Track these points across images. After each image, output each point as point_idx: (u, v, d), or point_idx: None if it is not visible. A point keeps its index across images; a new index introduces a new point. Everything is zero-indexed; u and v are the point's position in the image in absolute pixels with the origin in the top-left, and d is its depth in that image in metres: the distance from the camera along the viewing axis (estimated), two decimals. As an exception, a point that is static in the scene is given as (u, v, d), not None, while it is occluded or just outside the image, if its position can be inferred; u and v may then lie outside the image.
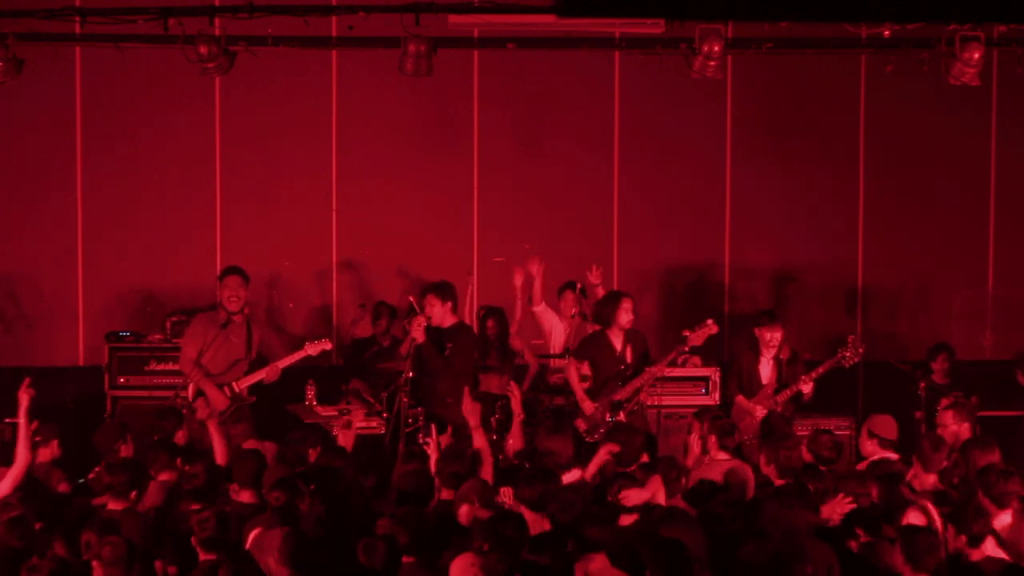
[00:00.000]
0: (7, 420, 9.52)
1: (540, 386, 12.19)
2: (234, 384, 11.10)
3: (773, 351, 11.61)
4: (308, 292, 13.55)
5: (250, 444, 10.10)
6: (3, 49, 10.81)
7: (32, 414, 8.83)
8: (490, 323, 12.26)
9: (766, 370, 11.66)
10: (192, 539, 7.64)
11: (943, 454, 9.32)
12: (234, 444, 10.49)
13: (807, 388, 11.48)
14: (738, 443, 9.93)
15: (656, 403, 11.94)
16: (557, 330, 12.42)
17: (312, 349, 11.28)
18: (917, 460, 9.31)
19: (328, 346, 11.36)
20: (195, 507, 8.15)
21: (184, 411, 10.73)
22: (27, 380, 8.90)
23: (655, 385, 11.80)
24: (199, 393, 11.10)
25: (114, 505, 8.40)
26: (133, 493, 8.47)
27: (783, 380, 11.61)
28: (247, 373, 11.16)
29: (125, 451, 9.43)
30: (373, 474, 9.40)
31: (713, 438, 9.74)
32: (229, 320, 11.13)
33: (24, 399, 8.81)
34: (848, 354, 11.52)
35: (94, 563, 7.28)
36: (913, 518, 8.17)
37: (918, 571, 7.38)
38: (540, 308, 12.38)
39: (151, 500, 8.84)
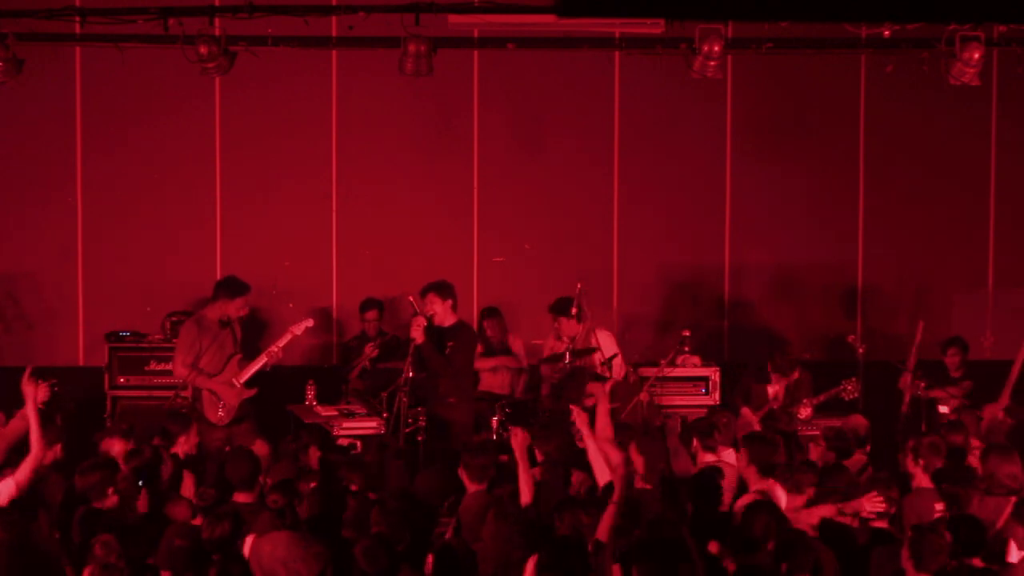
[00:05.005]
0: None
1: (540, 387, 12.19)
2: (234, 380, 11.11)
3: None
4: (308, 292, 13.54)
5: (251, 443, 10.17)
6: (3, 49, 10.79)
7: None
8: (486, 324, 12.30)
9: (773, 388, 11.86)
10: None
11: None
12: (237, 442, 10.55)
13: (805, 414, 11.73)
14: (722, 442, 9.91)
15: (657, 402, 11.99)
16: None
17: (297, 329, 11.30)
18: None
19: (310, 323, 11.41)
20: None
21: (192, 414, 10.75)
22: (29, 368, 8.86)
23: (655, 385, 11.88)
24: (196, 396, 11.10)
25: (98, 504, 8.44)
26: (110, 489, 8.49)
27: (788, 400, 11.80)
28: (241, 366, 11.17)
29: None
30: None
31: (696, 442, 9.75)
32: (229, 322, 11.18)
33: (29, 391, 8.76)
34: (850, 387, 11.91)
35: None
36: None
37: (920, 571, 7.39)
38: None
39: (143, 503, 8.87)
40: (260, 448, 10.14)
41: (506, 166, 13.78)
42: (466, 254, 13.70)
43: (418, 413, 10.87)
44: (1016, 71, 11.63)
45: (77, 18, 11.22)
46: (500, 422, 11.26)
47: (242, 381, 11.09)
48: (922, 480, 9.12)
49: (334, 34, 12.22)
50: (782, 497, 8.58)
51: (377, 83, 13.17)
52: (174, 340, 11.80)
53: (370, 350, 12.37)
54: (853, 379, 11.91)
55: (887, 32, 11.47)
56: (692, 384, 12.42)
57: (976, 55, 10.90)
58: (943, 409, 12.19)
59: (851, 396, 11.91)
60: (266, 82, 12.96)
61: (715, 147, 13.96)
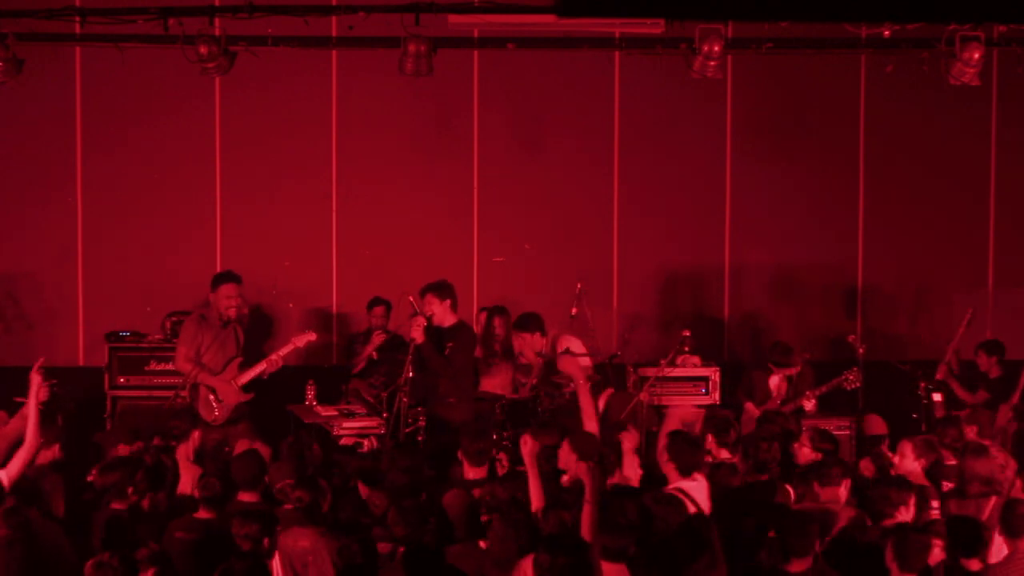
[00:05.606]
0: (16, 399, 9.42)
1: (544, 385, 12.18)
2: (233, 381, 11.12)
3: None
4: (308, 292, 13.55)
5: (247, 444, 10.16)
6: (3, 49, 10.79)
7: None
8: (496, 322, 12.27)
9: (775, 380, 11.87)
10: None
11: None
12: (234, 444, 10.56)
13: (809, 405, 11.80)
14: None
15: (656, 403, 11.99)
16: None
17: (299, 341, 11.33)
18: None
19: (312, 336, 11.42)
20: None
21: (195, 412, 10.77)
22: (41, 360, 8.84)
23: (655, 385, 11.88)
24: (194, 395, 11.10)
25: (117, 505, 8.43)
26: (130, 489, 8.49)
27: (791, 393, 11.82)
28: (241, 369, 11.18)
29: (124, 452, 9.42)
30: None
31: (710, 437, 9.72)
32: (228, 322, 11.18)
33: (36, 379, 8.72)
34: (851, 377, 11.93)
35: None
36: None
37: (905, 571, 7.39)
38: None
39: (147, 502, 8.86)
40: (261, 450, 10.13)
41: (506, 166, 13.79)
42: (466, 254, 13.70)
43: (418, 413, 10.87)
44: (1016, 71, 11.63)
45: (77, 18, 11.21)
46: (500, 422, 11.25)
47: (240, 384, 11.10)
48: (922, 478, 9.12)
49: (334, 34, 12.22)
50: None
51: (377, 83, 13.17)
52: (174, 339, 11.80)
53: (377, 337, 12.42)
54: (855, 368, 11.91)
55: (887, 32, 11.48)
56: (692, 384, 12.39)
57: (976, 55, 10.91)
58: (936, 398, 12.22)
59: (853, 386, 11.92)
60: (266, 82, 12.96)
61: (715, 147, 13.97)
